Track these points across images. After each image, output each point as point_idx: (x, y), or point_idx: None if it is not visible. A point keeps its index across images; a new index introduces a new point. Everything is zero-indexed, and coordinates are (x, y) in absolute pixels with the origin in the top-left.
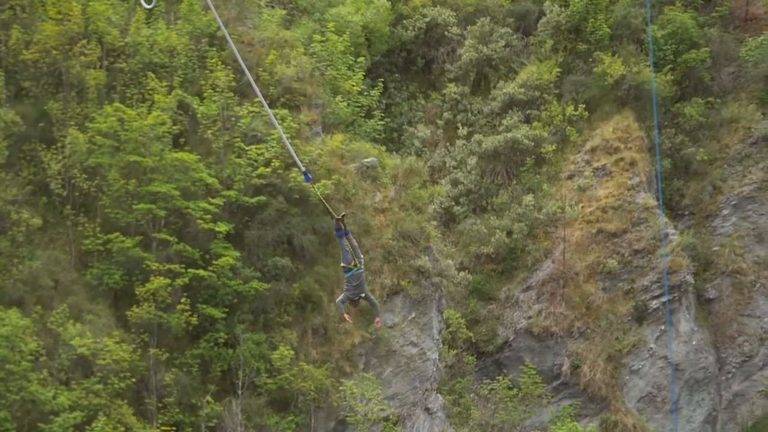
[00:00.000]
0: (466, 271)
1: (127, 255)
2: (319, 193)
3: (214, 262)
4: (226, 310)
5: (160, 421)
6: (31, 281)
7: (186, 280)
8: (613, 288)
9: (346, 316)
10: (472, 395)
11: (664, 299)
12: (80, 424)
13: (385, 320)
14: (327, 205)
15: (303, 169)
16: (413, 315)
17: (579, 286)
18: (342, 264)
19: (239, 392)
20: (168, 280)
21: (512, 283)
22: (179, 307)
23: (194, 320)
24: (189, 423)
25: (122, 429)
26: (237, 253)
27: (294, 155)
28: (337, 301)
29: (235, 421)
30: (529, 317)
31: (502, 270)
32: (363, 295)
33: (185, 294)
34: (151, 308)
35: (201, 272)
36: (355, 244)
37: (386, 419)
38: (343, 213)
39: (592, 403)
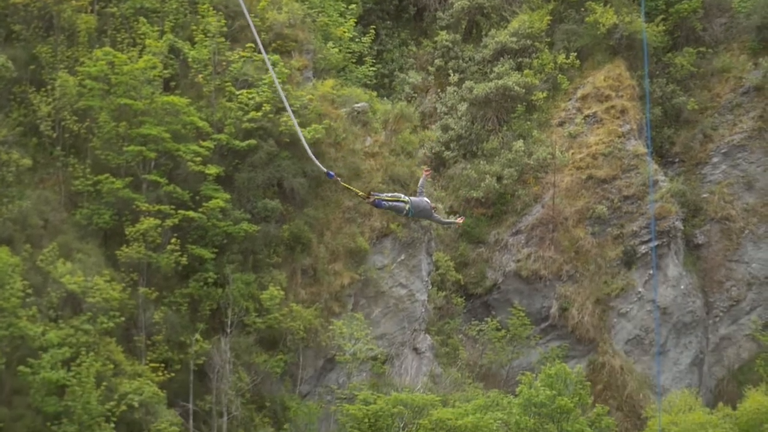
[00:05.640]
0: (456, 214)
1: (117, 196)
2: (344, 183)
3: (204, 204)
4: (216, 250)
5: (148, 358)
6: (20, 220)
7: (176, 221)
8: (603, 233)
9: (458, 220)
10: (460, 336)
11: (652, 244)
12: (68, 360)
13: (374, 262)
14: (351, 188)
15: (325, 169)
16: (402, 257)
17: (568, 231)
18: (403, 216)
19: (228, 331)
20: (158, 221)
21: (501, 227)
22: (169, 247)
23: (184, 260)
24: (177, 360)
25: (111, 365)
26: (227, 196)
27: (307, 149)
28: (446, 224)
29: (224, 358)
30: (518, 260)
31: (491, 214)
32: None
33: (175, 234)
34: (140, 248)
35: (191, 213)
36: (390, 195)
37: (374, 358)
38: (371, 191)
39: (580, 344)
